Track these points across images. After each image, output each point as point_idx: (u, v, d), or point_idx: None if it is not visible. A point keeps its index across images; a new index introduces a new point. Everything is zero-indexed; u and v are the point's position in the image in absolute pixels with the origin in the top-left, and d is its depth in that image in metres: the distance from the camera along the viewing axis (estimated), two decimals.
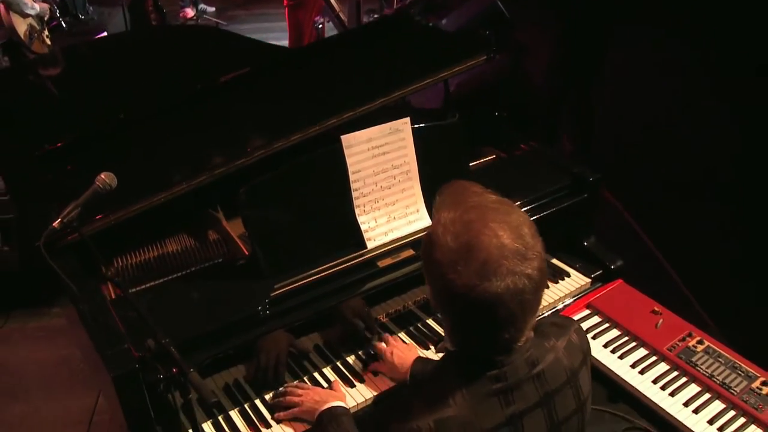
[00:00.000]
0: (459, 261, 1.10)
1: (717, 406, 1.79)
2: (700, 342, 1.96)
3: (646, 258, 3.62)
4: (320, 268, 1.83)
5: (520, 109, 4.75)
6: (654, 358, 1.94)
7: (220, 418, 1.74)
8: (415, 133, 1.99)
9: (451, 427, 1.12)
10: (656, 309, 2.08)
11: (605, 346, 1.99)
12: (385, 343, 1.91)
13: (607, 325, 2.07)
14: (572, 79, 4.32)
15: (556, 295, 2.17)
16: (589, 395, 1.29)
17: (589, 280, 2.24)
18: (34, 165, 2.10)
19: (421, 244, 1.24)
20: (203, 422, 1.73)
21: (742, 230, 3.02)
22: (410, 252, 1.95)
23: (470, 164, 2.35)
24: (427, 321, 2.05)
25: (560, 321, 1.35)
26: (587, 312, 2.12)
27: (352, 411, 1.77)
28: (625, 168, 4.22)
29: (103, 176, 1.63)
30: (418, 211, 2.02)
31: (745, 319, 2.97)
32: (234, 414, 1.76)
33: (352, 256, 1.88)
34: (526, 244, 1.11)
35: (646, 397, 1.83)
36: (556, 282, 2.22)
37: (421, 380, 1.24)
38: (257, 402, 1.79)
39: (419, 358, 1.81)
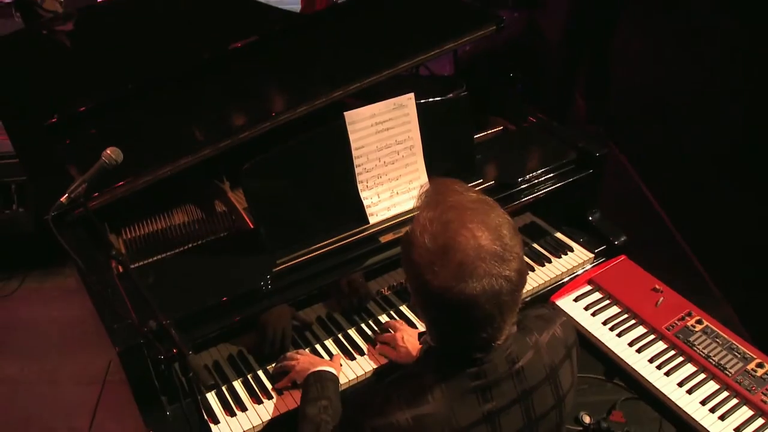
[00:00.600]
0: (436, 262, 1.10)
1: (711, 386, 1.81)
2: (698, 322, 1.97)
3: (652, 226, 3.62)
4: (322, 244, 1.85)
5: (534, 70, 4.69)
6: (652, 336, 1.96)
7: (223, 388, 1.80)
8: (420, 108, 1.98)
9: (428, 424, 1.15)
10: (657, 287, 2.09)
11: (604, 323, 2.01)
12: (391, 329, 1.94)
13: (607, 301, 2.08)
14: (589, 35, 4.24)
15: (558, 270, 2.18)
16: (571, 388, 1.31)
17: (592, 255, 2.24)
18: (45, 133, 2.12)
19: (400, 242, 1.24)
20: (207, 392, 1.79)
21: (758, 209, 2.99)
22: None
23: (477, 135, 2.35)
24: None
25: (546, 314, 1.36)
26: (588, 288, 2.13)
27: (351, 384, 1.83)
28: (639, 130, 4.18)
29: (108, 152, 1.65)
30: (421, 186, 2.02)
31: (753, 292, 2.98)
32: (237, 384, 1.81)
33: (354, 231, 1.90)
34: (505, 246, 1.11)
35: (641, 375, 1.85)
36: (559, 257, 2.23)
37: (403, 374, 1.25)
38: (260, 373, 1.85)
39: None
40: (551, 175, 2.18)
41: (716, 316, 2.01)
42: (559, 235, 2.32)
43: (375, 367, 1.87)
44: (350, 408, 1.33)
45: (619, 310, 2.05)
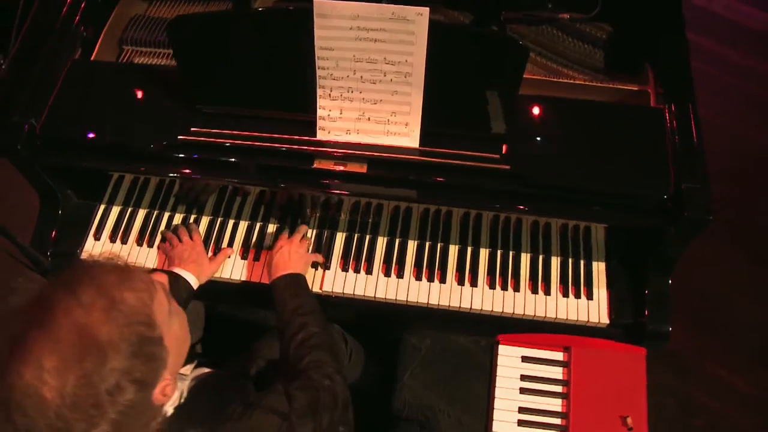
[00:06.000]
0: None
1: None
2: None
3: None
4: (244, 134, 1.52)
5: None
6: None
7: (129, 209, 1.77)
8: (438, 30, 1.35)
9: None
10: (630, 422, 1.43)
11: (520, 410, 1.49)
12: (298, 234, 1.66)
13: (557, 389, 1.50)
14: None
15: (545, 312, 1.58)
16: None
17: (607, 322, 1.57)
18: None
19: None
20: (115, 206, 1.78)
21: None
22: (362, 167, 1.51)
23: (601, 84, 1.62)
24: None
25: None
26: (556, 356, 1.54)
27: (224, 280, 1.68)
28: None
29: None
30: (407, 125, 1.49)
31: None
32: (140, 213, 1.76)
33: (289, 137, 1.51)
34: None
35: None
36: (566, 295, 1.60)
37: None
38: (166, 215, 1.76)
39: (293, 275, 1.55)
40: (603, 202, 1.45)
41: None
42: (598, 266, 1.62)
43: (248, 280, 1.68)
44: None
45: (556, 409, 1.49)
